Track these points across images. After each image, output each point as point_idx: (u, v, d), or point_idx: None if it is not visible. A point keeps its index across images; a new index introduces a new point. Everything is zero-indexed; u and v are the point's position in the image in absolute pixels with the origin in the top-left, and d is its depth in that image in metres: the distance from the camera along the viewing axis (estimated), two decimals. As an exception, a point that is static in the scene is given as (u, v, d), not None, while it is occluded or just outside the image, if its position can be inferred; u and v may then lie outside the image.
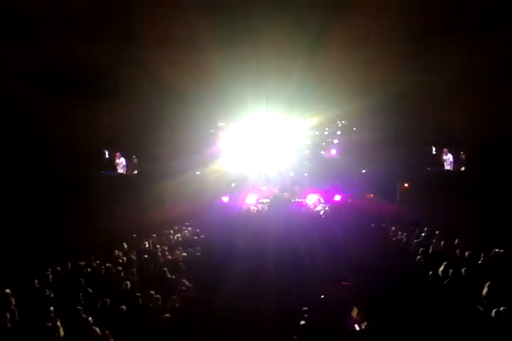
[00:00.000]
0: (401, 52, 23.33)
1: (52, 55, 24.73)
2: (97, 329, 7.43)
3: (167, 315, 8.18)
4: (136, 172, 28.31)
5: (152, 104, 25.31)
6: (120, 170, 28.30)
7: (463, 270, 9.86)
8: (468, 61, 22.77)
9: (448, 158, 28.00)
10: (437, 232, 14.25)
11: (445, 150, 27.90)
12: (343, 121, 28.76)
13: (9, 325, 7.91)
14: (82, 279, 9.76)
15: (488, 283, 8.84)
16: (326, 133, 29.58)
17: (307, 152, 29.96)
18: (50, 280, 9.82)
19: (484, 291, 8.73)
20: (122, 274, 10.29)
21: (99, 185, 24.76)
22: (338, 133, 29.04)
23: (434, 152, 28.14)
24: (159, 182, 25.41)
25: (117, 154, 28.32)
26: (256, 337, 9.04)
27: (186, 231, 15.30)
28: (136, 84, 25.63)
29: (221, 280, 10.35)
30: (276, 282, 10.50)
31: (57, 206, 20.30)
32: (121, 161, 28.34)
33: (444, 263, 10.16)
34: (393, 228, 15.46)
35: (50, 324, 7.43)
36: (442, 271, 9.96)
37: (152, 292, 8.92)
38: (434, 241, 12.84)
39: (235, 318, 9.53)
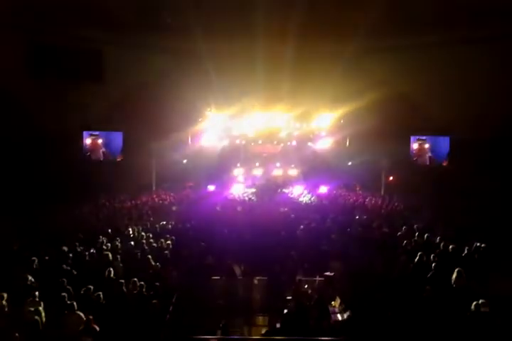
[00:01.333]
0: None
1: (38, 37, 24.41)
2: (81, 313, 7.42)
3: (155, 301, 8.20)
4: (120, 158, 28.21)
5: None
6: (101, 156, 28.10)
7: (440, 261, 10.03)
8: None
9: (431, 150, 28.47)
10: (416, 226, 14.45)
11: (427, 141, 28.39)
12: (332, 114, 28.97)
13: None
14: (64, 265, 9.68)
15: (457, 269, 9.11)
16: (314, 125, 29.71)
17: (294, 143, 30.12)
18: (35, 266, 9.73)
19: (453, 277, 8.99)
20: (106, 261, 10.24)
21: (81, 170, 24.65)
22: (326, 125, 29.25)
23: (419, 145, 28.58)
24: (145, 168, 25.38)
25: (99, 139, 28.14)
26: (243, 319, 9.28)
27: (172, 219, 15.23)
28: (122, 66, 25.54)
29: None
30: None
31: (42, 193, 20.21)
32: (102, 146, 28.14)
33: (419, 253, 10.31)
34: (377, 220, 15.57)
35: (32, 309, 7.39)
36: (422, 262, 10.13)
37: (135, 279, 8.90)
38: (416, 234, 12.98)
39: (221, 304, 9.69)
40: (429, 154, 28.13)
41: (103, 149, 28.04)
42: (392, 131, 25.82)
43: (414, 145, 28.45)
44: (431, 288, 8.53)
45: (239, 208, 18.37)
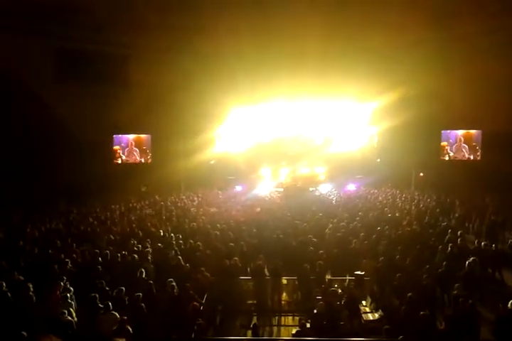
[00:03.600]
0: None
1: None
2: (116, 313, 7.57)
3: (195, 303, 8.29)
4: (149, 159, 28.75)
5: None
6: (135, 158, 28.80)
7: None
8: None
9: (463, 146, 27.85)
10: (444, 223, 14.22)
11: (460, 138, 27.74)
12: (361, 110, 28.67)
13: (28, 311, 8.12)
14: (99, 267, 9.90)
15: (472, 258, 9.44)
16: (341, 121, 29.46)
17: (321, 141, 29.88)
18: (68, 267, 9.98)
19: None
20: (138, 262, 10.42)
21: (113, 174, 25.19)
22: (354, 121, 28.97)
23: (449, 141, 28.01)
24: (173, 170, 25.71)
25: (131, 142, 28.82)
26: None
27: (200, 220, 15.33)
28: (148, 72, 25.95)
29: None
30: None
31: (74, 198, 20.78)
32: (134, 149, 28.82)
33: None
34: (407, 218, 15.30)
35: (65, 310, 7.58)
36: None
37: (171, 280, 9.02)
38: (449, 231, 12.70)
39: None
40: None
41: (133, 152, 28.70)
42: (422, 127, 25.38)
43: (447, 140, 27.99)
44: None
45: (258, 209, 18.23)
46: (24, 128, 23.13)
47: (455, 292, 8.38)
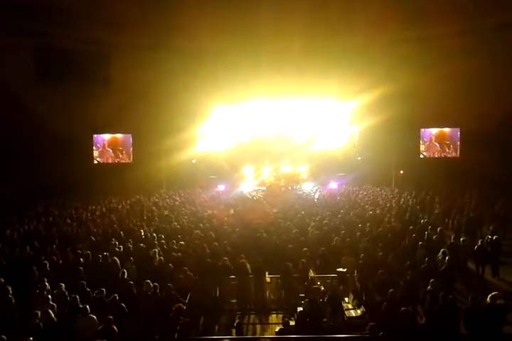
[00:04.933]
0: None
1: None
2: (95, 317, 7.47)
3: (179, 304, 8.23)
4: (130, 159, 28.50)
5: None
6: (108, 159, 28.55)
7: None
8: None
9: (434, 144, 28.44)
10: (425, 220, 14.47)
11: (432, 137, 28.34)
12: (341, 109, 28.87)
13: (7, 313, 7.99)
14: (80, 268, 9.78)
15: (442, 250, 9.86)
16: (322, 120, 29.63)
17: (303, 139, 30.00)
18: (48, 268, 9.84)
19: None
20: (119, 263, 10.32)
21: (92, 174, 24.89)
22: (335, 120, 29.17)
23: (423, 139, 28.53)
24: (154, 170, 25.51)
25: (104, 142, 28.54)
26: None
27: (184, 220, 15.24)
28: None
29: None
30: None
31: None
32: (107, 149, 28.57)
33: (442, 250, 10.34)
34: (388, 215, 15.47)
35: (43, 311, 7.47)
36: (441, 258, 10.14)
37: (148, 281, 8.96)
38: (429, 227, 12.91)
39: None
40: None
41: (107, 152, 28.46)
42: (401, 125, 25.71)
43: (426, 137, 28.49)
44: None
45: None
46: (1, 128, 22.66)
47: (429, 287, 8.52)
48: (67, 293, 8.59)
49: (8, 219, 16.01)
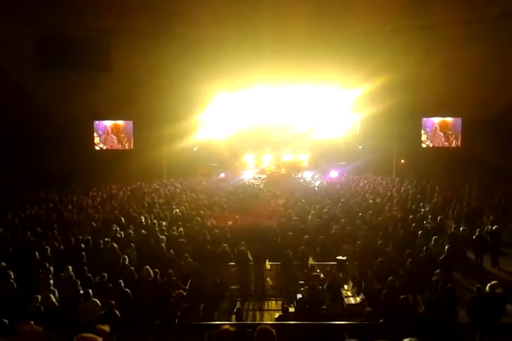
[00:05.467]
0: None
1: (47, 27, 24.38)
2: (97, 301, 7.53)
3: (180, 290, 8.29)
4: (131, 146, 28.46)
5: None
6: (112, 145, 28.53)
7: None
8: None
9: (439, 134, 28.34)
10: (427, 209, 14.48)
11: (436, 126, 28.22)
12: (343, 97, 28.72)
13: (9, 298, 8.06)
14: (83, 253, 9.85)
15: (434, 237, 10.10)
16: (324, 108, 29.51)
17: (304, 128, 29.93)
18: (49, 253, 9.89)
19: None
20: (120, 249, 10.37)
21: (94, 161, 24.87)
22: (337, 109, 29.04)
23: (426, 129, 28.42)
24: (155, 157, 25.48)
25: (108, 129, 28.48)
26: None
27: (183, 206, 15.28)
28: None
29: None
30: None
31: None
32: (111, 136, 28.52)
33: (434, 237, 10.38)
34: (388, 204, 15.50)
35: (44, 296, 7.53)
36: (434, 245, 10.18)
37: (147, 267, 9.01)
38: (429, 217, 12.93)
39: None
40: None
41: (110, 139, 28.41)
42: (403, 114, 25.60)
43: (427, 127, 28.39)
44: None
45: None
46: (3, 115, 22.56)
47: (435, 277, 8.55)
48: (73, 275, 8.66)
49: (10, 204, 16.06)
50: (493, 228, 11.68)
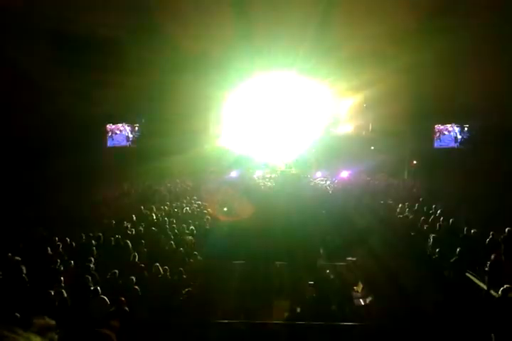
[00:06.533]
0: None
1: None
2: (106, 298, 7.57)
3: (189, 289, 8.31)
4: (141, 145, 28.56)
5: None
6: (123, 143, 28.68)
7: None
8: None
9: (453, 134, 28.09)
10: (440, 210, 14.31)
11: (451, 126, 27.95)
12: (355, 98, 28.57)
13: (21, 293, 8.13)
14: (94, 249, 9.93)
15: (432, 236, 9.83)
16: (336, 109, 29.39)
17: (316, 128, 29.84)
18: (60, 250, 9.98)
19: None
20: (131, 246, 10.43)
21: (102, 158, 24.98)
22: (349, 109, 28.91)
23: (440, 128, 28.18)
24: (165, 156, 25.54)
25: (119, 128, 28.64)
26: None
27: (196, 205, 15.33)
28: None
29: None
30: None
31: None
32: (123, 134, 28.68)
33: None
34: (400, 205, 15.38)
35: (56, 292, 7.59)
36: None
37: (157, 264, 9.05)
38: (441, 219, 12.81)
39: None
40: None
41: (126, 138, 28.59)
42: (415, 116, 25.38)
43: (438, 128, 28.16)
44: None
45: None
46: (20, 118, 22.73)
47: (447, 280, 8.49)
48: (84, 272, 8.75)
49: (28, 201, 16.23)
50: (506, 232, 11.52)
